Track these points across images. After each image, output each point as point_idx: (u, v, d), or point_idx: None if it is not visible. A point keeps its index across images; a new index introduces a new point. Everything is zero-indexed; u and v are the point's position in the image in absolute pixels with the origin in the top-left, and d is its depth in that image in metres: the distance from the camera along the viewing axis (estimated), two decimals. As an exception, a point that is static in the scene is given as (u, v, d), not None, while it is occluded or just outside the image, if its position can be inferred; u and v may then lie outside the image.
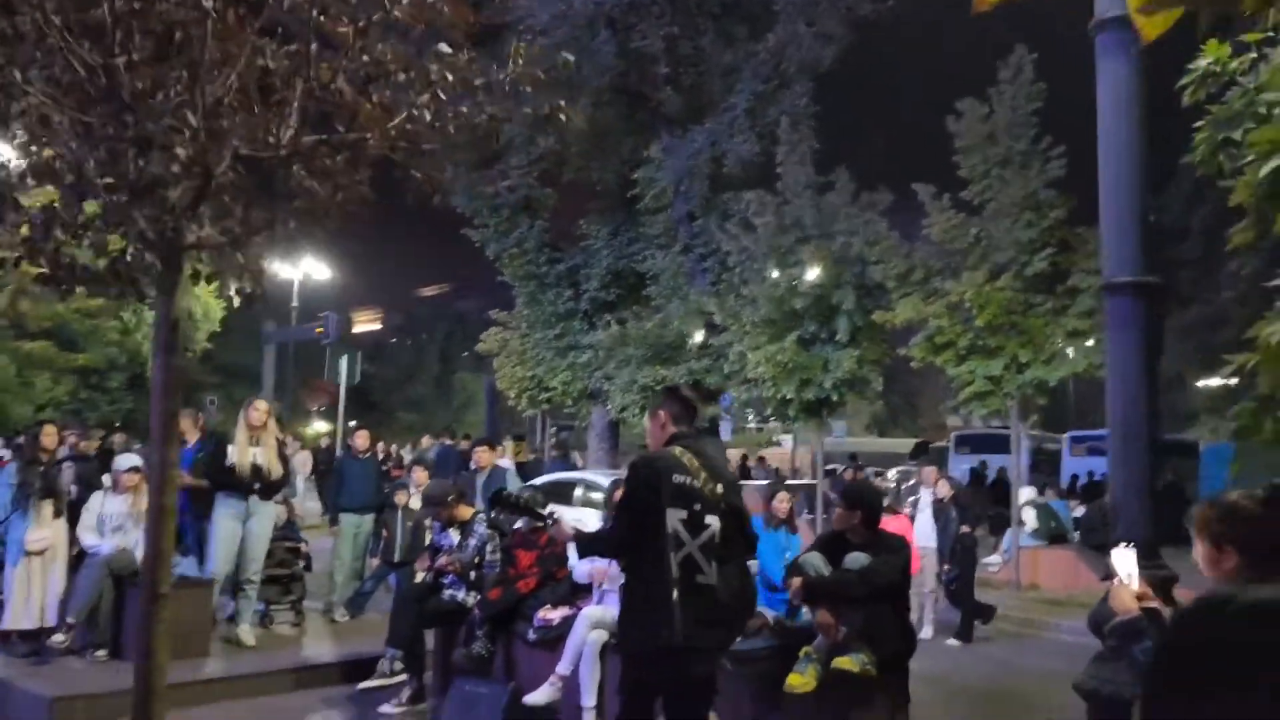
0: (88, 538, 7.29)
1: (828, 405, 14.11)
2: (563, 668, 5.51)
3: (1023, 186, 11.27)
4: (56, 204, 3.15)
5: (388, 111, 3.54)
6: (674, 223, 17.82)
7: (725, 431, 33.60)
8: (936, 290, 12.04)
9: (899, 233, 13.04)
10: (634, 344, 16.92)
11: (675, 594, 3.61)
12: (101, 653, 6.88)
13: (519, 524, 6.38)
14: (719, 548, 3.79)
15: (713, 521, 3.79)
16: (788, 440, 38.32)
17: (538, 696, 5.54)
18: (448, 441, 16.64)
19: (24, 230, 3.18)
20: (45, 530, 7.30)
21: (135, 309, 25.06)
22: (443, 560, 6.37)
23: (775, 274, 13.79)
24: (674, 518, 3.71)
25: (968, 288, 11.45)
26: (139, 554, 7.19)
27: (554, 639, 5.72)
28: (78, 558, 7.33)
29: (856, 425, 45.26)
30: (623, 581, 3.94)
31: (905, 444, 29.42)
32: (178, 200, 3.23)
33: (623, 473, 5.36)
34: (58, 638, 6.81)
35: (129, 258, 3.38)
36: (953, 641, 9.03)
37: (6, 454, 11.20)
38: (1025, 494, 13.78)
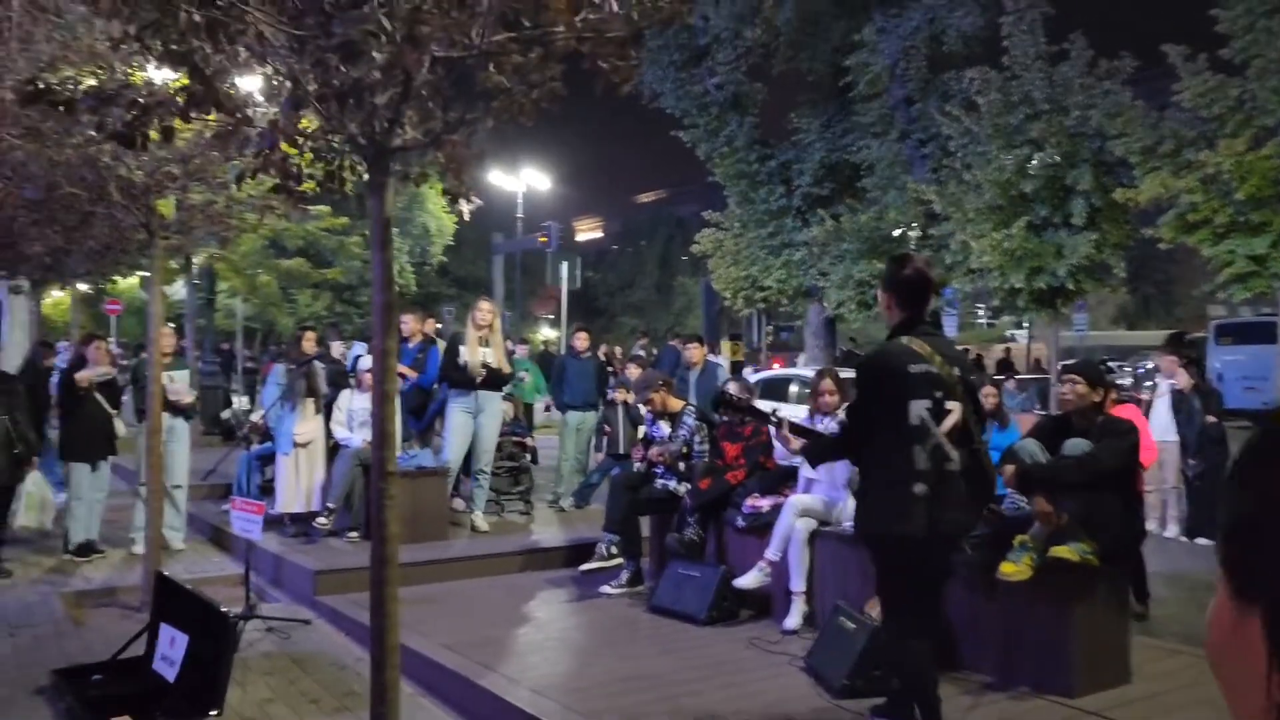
0: (339, 432, 8.05)
1: (1063, 295, 13.26)
2: (771, 553, 5.61)
3: (1294, 37, 9.95)
4: (278, 116, 3.41)
5: (571, 3, 3.55)
6: (890, 109, 17.01)
7: (951, 326, 32.31)
8: (1189, 163, 10.91)
9: (1144, 102, 11.87)
10: (849, 238, 16.47)
11: (924, 485, 3.55)
12: (354, 534, 7.64)
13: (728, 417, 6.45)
14: (962, 433, 3.67)
15: (954, 407, 3.65)
16: (1023, 336, 36.45)
17: (747, 580, 5.68)
18: (671, 342, 16.98)
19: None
20: (309, 424, 8.12)
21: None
22: (653, 451, 6.58)
23: (1002, 156, 12.95)
24: (919, 408, 3.58)
25: (1226, 157, 10.31)
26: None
27: (762, 526, 5.82)
28: (333, 450, 8.12)
29: (1101, 317, 42.31)
30: (860, 474, 3.88)
31: (1157, 337, 27.24)
32: (382, 104, 3.41)
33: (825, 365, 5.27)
34: (320, 520, 7.62)
35: (344, 162, 3.63)
36: (1203, 540, 8.43)
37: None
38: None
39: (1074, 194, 12.50)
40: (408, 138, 3.60)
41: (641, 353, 14.13)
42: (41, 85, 3.47)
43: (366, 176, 3.54)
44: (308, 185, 3.65)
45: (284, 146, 3.54)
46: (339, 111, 3.36)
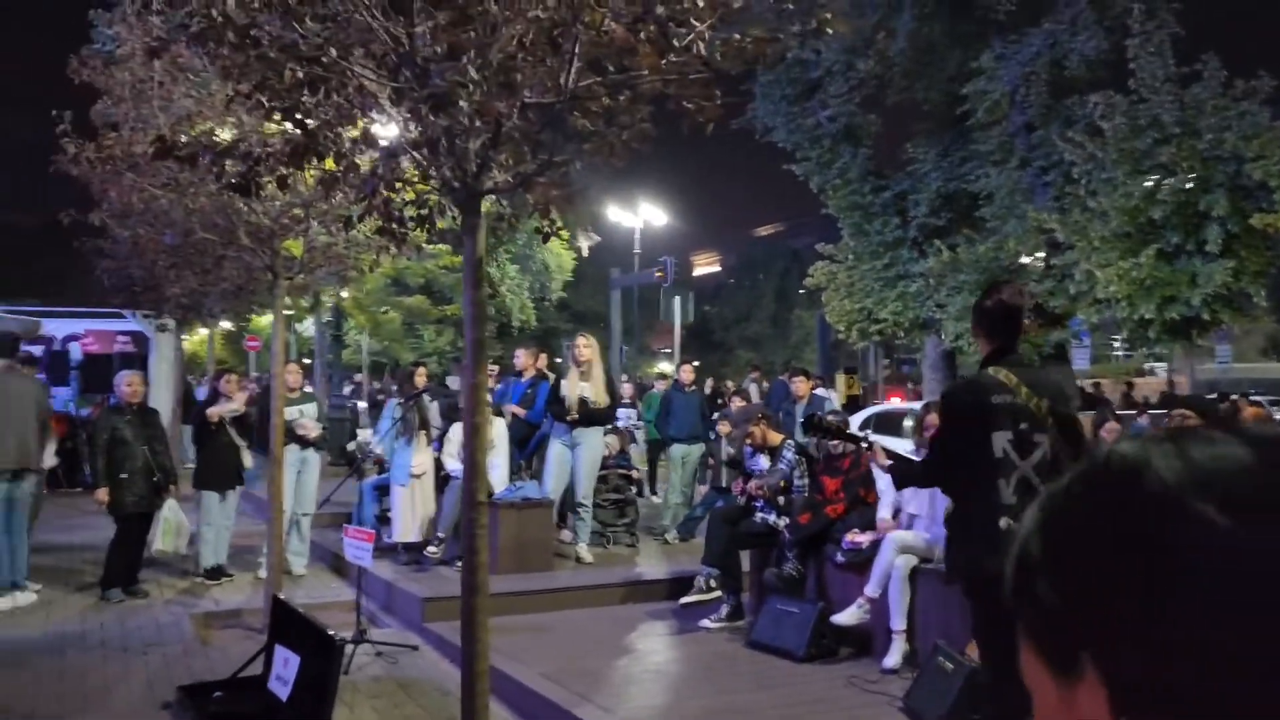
0: (450, 463, 8.30)
1: (1198, 325, 12.65)
2: (871, 590, 5.52)
3: None
4: (378, 164, 3.62)
5: (656, 47, 3.66)
6: (1009, 136, 16.60)
7: (1083, 359, 31.07)
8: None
9: (1285, 122, 11.31)
10: (967, 269, 16.09)
11: (1010, 520, 3.46)
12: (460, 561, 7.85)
13: (836, 445, 6.39)
14: (1052, 466, 3.56)
15: (1042, 440, 3.55)
16: (1163, 369, 34.74)
17: (846, 617, 5.61)
18: (781, 376, 16.90)
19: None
20: (421, 456, 8.41)
21: (500, 265, 27.65)
22: (752, 484, 6.57)
23: (1129, 182, 12.49)
24: (1000, 439, 3.50)
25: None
26: (492, 478, 8.09)
27: (862, 562, 5.73)
28: (443, 481, 8.38)
29: (1249, 348, 39.96)
30: (950, 509, 3.82)
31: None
32: (473, 149, 3.58)
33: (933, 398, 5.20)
34: (430, 549, 7.86)
35: (438, 205, 3.81)
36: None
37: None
38: None
39: (1208, 220, 11.95)
40: (499, 181, 3.76)
41: (751, 386, 14.10)
42: (169, 141, 3.77)
43: (459, 219, 3.70)
44: (414, 232, 3.85)
45: (384, 191, 3.75)
46: (432, 157, 3.54)
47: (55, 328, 15.70)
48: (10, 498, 7.56)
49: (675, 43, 3.55)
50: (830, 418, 5.50)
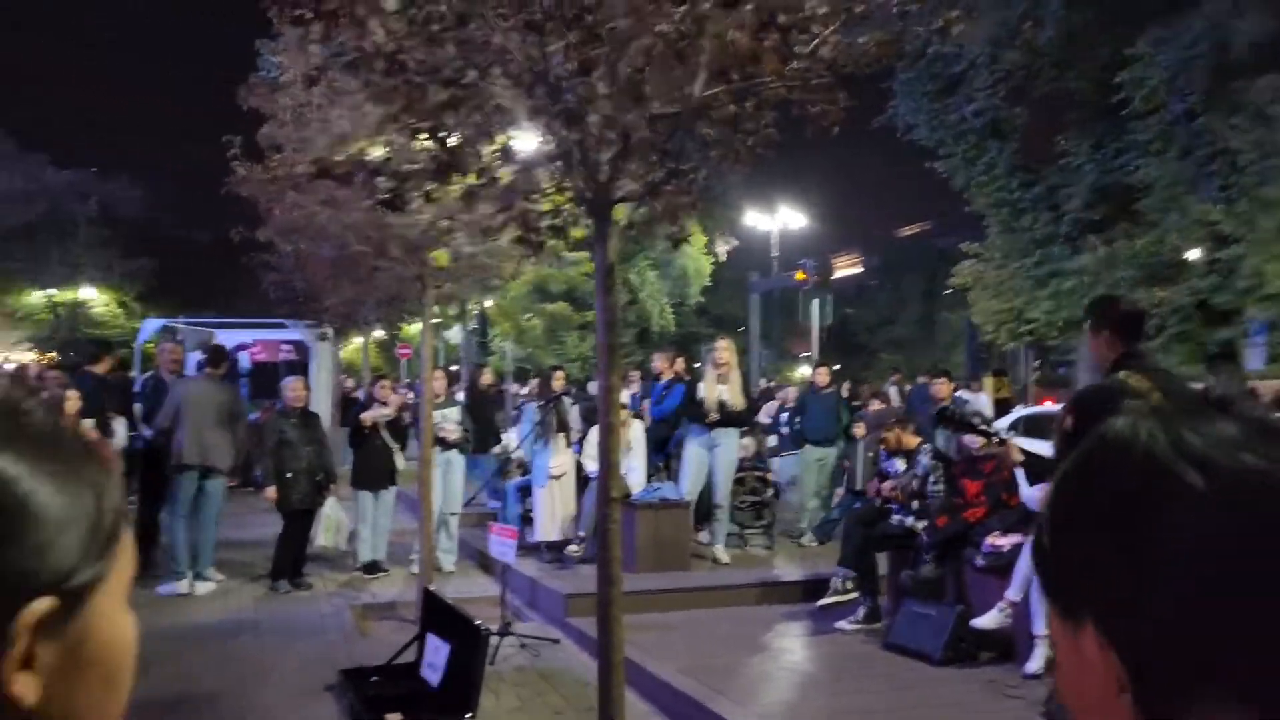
0: (590, 465, 8.52)
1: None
2: (1013, 594, 5.41)
3: None
4: (512, 177, 3.83)
5: (779, 54, 3.74)
6: (1169, 124, 15.78)
7: (1258, 358, 29.09)
8: None
9: None
10: (1124, 265, 15.39)
11: None
12: (602, 561, 8.06)
13: (971, 442, 6.27)
14: None
15: None
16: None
17: (986, 621, 5.51)
18: (922, 378, 16.55)
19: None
20: (561, 458, 8.68)
21: (639, 271, 28.06)
22: (886, 486, 6.52)
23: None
24: None
25: None
26: (630, 479, 8.28)
27: (1004, 565, 5.62)
28: (584, 482, 8.62)
29: None
30: None
31: None
32: (604, 161, 3.74)
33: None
34: (571, 548, 8.11)
35: (571, 216, 3.99)
36: None
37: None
38: None
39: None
40: (629, 190, 3.91)
41: (891, 389, 13.88)
42: (327, 162, 4.08)
43: (589, 228, 3.86)
44: (550, 241, 4.04)
45: (522, 203, 3.95)
46: (566, 169, 3.71)
47: (227, 338, 16.83)
48: (200, 493, 8.20)
49: (797, 50, 3.62)
50: (958, 411, 5.41)
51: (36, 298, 36.10)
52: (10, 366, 20.87)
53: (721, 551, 8.31)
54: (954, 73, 17.76)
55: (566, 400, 8.83)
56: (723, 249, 31.54)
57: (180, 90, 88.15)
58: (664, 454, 9.38)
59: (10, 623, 0.51)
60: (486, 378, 8.94)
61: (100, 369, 9.02)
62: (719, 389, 8.23)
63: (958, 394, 9.45)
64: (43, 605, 0.52)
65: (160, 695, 5.38)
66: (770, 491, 9.43)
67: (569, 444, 8.75)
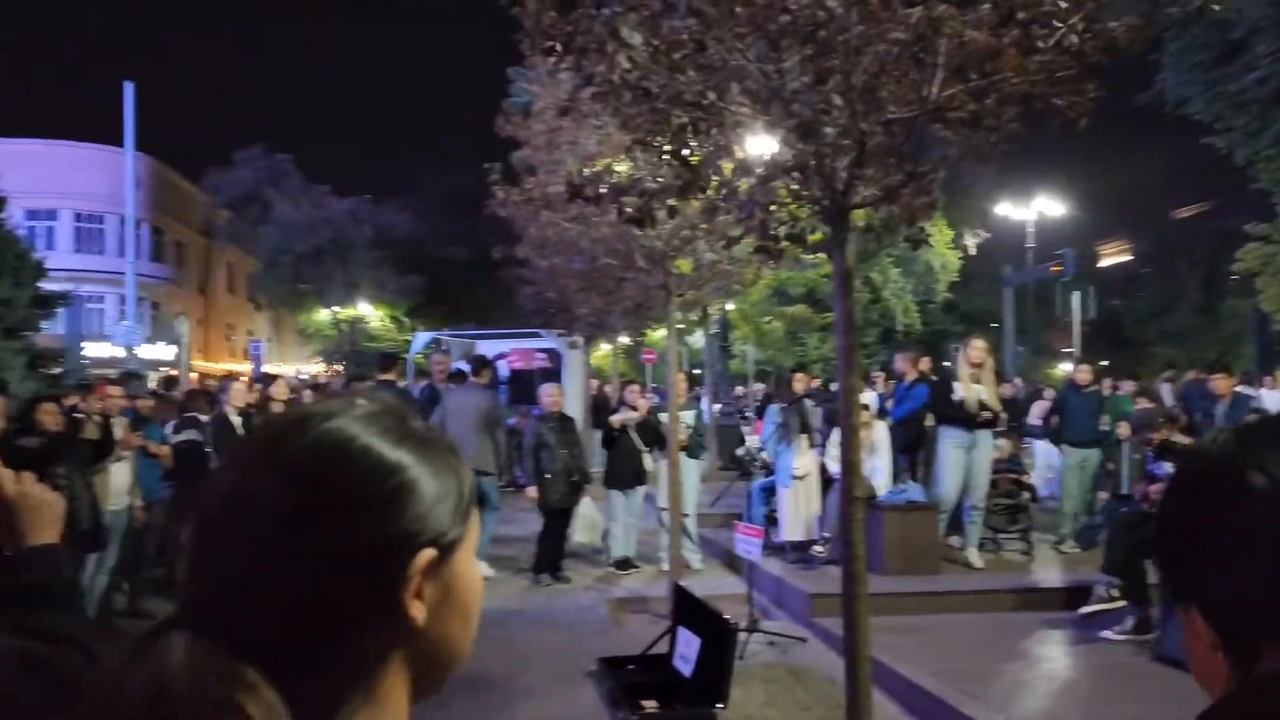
0: (833, 466, 8.54)
1: None
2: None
3: None
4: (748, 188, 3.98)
5: (1020, 49, 3.69)
6: None
7: None
8: None
9: None
10: None
11: None
12: (851, 563, 8.05)
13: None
14: None
15: None
16: None
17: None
18: (1190, 375, 15.23)
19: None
20: (804, 459, 8.75)
21: (882, 269, 27.45)
22: (1154, 489, 6.13)
23: None
24: None
25: None
26: (874, 481, 8.23)
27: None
28: (829, 483, 8.64)
29: None
30: None
31: None
32: (841, 168, 3.82)
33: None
34: (816, 548, 8.16)
35: (809, 224, 4.10)
36: None
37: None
38: None
39: None
40: (865, 195, 3.97)
41: (1164, 386, 12.89)
42: (576, 183, 4.41)
43: (823, 233, 3.96)
44: (789, 248, 4.17)
45: (760, 214, 4.11)
46: (802, 179, 3.83)
47: (487, 348, 18.08)
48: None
49: (1039, 43, 3.56)
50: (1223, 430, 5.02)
51: (323, 315, 40.11)
52: (304, 377, 23.35)
53: (974, 556, 8.08)
54: (1232, 39, 16.21)
55: (808, 402, 8.87)
56: (972, 242, 30.26)
57: (442, 120, 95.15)
58: (910, 456, 9.23)
59: (408, 567, 0.71)
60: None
61: (390, 377, 10.03)
62: (975, 388, 8.01)
63: (1241, 390, 8.67)
64: (427, 555, 0.72)
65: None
66: (1026, 495, 9.06)
67: (811, 445, 8.79)
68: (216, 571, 0.70)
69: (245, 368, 28.80)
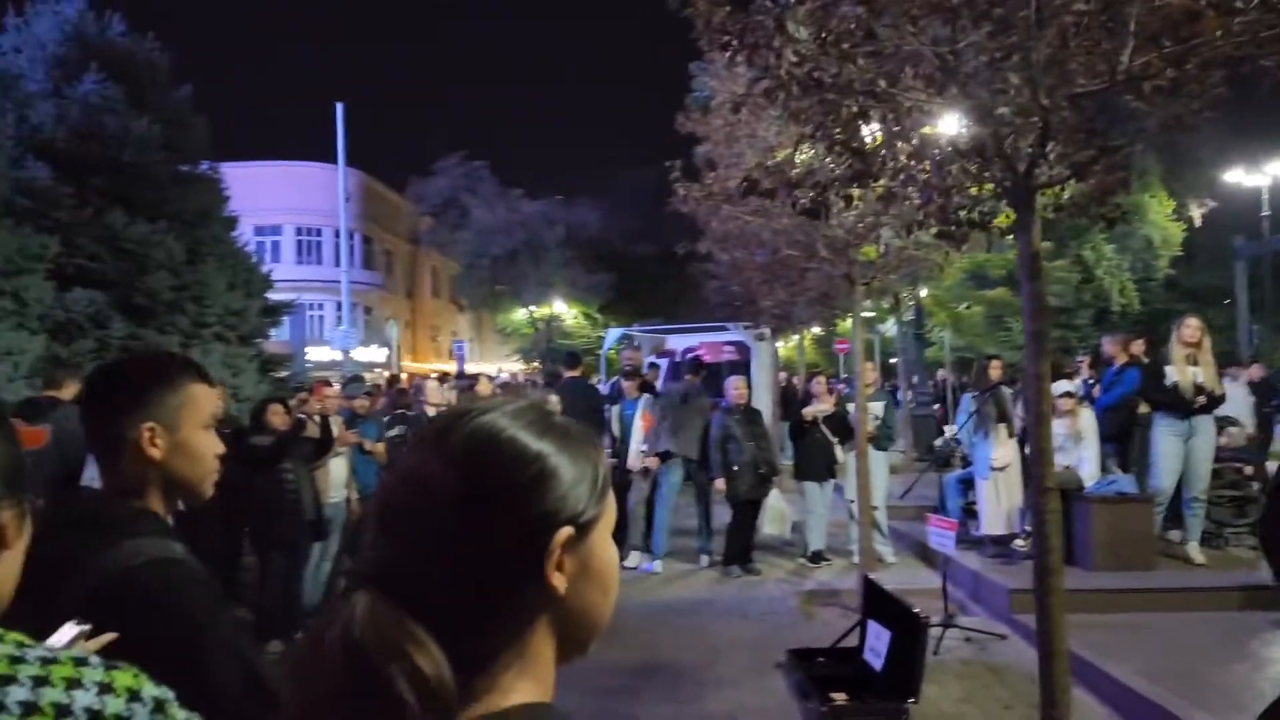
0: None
1: None
2: None
3: None
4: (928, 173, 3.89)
5: (1221, 10, 3.44)
6: None
7: None
8: None
9: None
10: None
11: None
12: (1055, 557, 7.68)
13: None
14: None
15: None
16: None
17: None
18: None
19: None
20: (1003, 450, 8.41)
21: (1094, 246, 25.82)
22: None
23: None
24: None
25: None
26: (1081, 471, 7.82)
27: None
28: (1029, 474, 8.27)
29: None
30: None
31: None
32: (1024, 148, 3.68)
33: None
34: (1018, 542, 7.83)
35: (992, 207, 3.96)
36: None
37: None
38: None
39: None
40: (1052, 173, 3.81)
41: None
42: (751, 179, 4.44)
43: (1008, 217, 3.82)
44: (972, 233, 4.06)
45: (938, 199, 4.01)
46: (982, 162, 3.72)
47: (676, 342, 18.30)
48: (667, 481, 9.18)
49: (1240, 2, 3.31)
50: None
51: (520, 314, 41.70)
52: (504, 376, 24.40)
53: (1195, 551, 7.54)
54: None
55: (1006, 390, 8.51)
56: (1197, 213, 27.98)
57: (624, 120, 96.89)
58: (1120, 445, 8.68)
59: (550, 542, 0.81)
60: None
61: (576, 373, 10.41)
62: (1191, 371, 7.48)
63: None
64: (566, 532, 0.82)
65: (632, 660, 6.14)
66: (1256, 486, 8.36)
67: (1010, 435, 8.44)
68: (393, 542, 0.82)
69: (450, 367, 30.38)
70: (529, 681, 0.82)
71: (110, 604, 1.42)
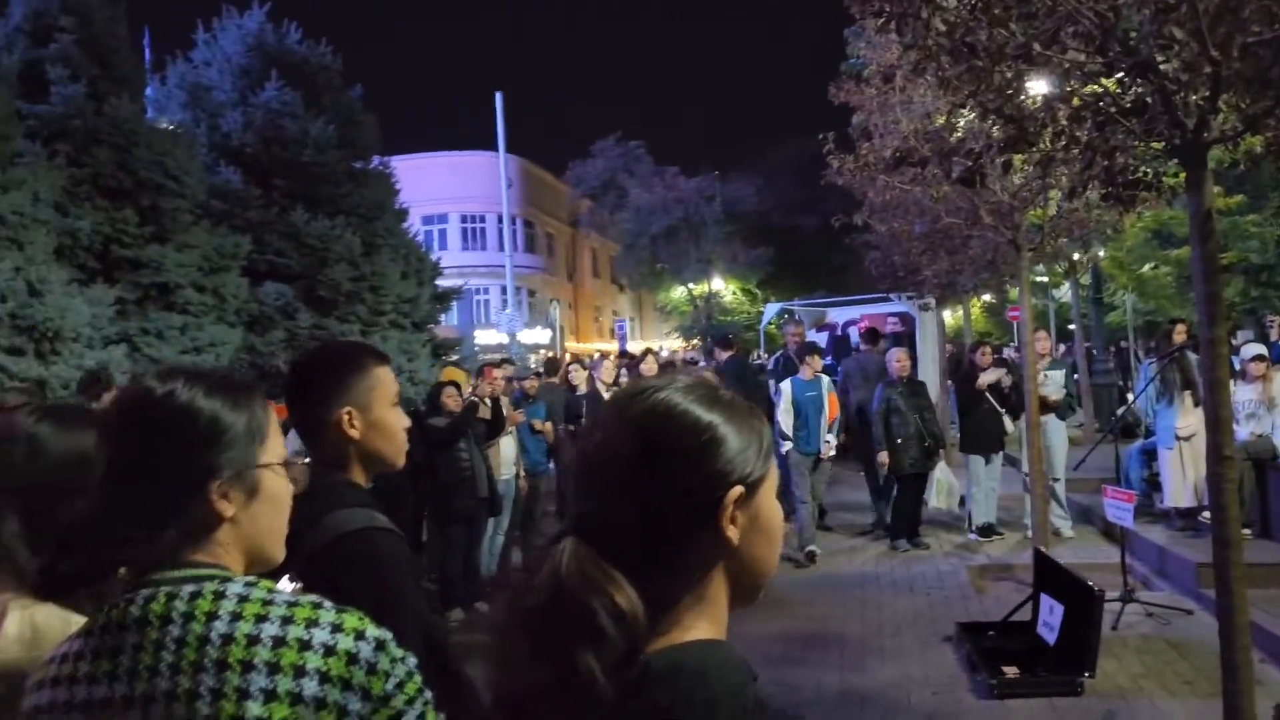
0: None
1: None
2: None
3: None
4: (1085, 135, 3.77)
5: None
6: None
7: None
8: None
9: None
10: None
11: None
12: (1247, 531, 7.25)
13: None
14: None
15: None
16: None
17: None
18: None
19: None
20: (1189, 418, 7.98)
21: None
22: None
23: None
24: None
25: None
26: (1277, 439, 7.36)
27: None
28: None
29: None
30: None
31: None
32: (1193, 102, 3.52)
33: None
34: (1205, 515, 7.43)
35: (1160, 166, 3.81)
36: None
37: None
38: None
39: None
40: (1224, 127, 3.63)
41: None
42: (902, 150, 4.42)
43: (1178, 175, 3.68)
44: (1139, 193, 3.91)
45: (1101, 161, 3.89)
46: (1145, 121, 3.58)
47: (837, 315, 18.06)
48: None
49: None
50: None
51: (679, 292, 41.95)
52: (665, 354, 24.73)
53: None
54: None
55: (1192, 355, 8.05)
56: None
57: (776, 93, 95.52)
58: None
59: (723, 499, 0.94)
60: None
61: (731, 352, 10.55)
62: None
63: None
64: (736, 491, 0.95)
65: (801, 630, 6.23)
66: None
67: (1197, 402, 7.99)
68: (590, 498, 0.97)
69: (612, 346, 30.99)
70: (706, 621, 0.96)
71: (326, 563, 1.65)
